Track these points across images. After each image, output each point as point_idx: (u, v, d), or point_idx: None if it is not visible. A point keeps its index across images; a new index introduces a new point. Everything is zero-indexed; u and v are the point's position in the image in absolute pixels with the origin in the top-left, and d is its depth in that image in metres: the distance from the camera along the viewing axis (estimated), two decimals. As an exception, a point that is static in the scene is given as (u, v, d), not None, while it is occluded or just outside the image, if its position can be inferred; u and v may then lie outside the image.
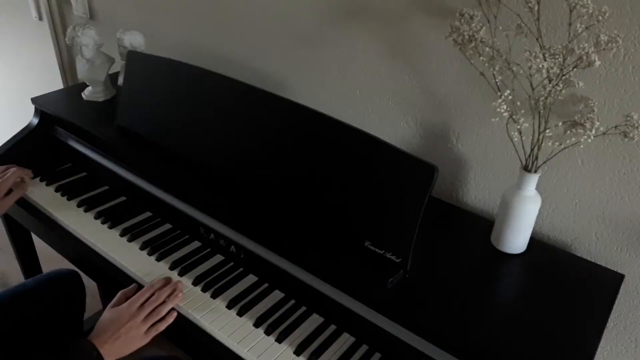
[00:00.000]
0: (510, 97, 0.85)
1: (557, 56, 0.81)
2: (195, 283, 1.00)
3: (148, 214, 1.19)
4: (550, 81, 0.81)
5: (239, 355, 0.88)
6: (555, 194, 1.02)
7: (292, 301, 0.98)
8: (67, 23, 1.91)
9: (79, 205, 1.21)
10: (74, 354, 0.83)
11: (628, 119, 0.81)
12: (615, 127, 0.83)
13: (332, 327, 0.93)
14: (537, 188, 0.93)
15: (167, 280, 0.97)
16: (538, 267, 0.95)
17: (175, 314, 0.93)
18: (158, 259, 1.06)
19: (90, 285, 1.38)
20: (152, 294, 0.92)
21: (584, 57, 0.78)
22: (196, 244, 1.11)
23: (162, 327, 0.91)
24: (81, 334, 1.26)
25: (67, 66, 2.02)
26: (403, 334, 0.83)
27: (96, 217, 1.17)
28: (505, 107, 0.85)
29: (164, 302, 0.92)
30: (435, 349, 0.79)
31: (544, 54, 0.80)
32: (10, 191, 1.18)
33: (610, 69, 0.87)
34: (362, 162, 0.90)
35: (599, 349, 0.85)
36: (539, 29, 0.86)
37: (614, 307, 0.88)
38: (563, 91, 0.83)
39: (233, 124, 1.07)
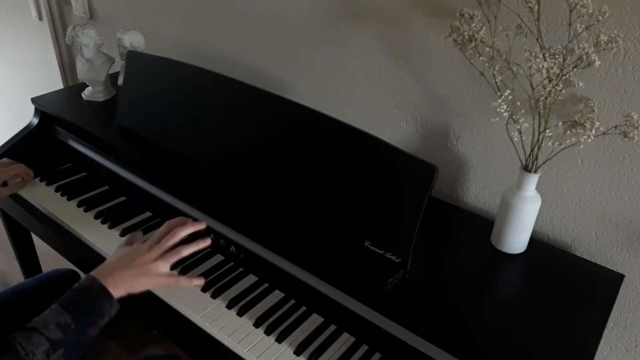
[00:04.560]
0: (510, 97, 0.85)
1: (557, 56, 0.81)
2: (195, 283, 1.00)
3: (148, 214, 1.19)
4: (550, 81, 0.81)
5: (239, 355, 0.88)
6: (555, 194, 1.02)
7: (292, 301, 0.98)
8: (67, 23, 1.91)
9: (79, 205, 1.21)
10: (73, 290, 0.80)
11: (628, 119, 0.81)
12: (615, 127, 0.83)
13: (332, 327, 0.93)
14: (537, 188, 0.93)
15: (186, 220, 0.94)
16: (538, 267, 0.95)
17: (209, 241, 0.91)
18: (158, 259, 1.05)
19: (90, 285, 1.38)
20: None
21: (584, 57, 0.78)
22: (196, 244, 1.11)
23: (185, 252, 0.89)
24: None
25: (67, 66, 2.02)
26: (403, 334, 0.83)
27: (96, 217, 1.17)
28: (505, 107, 0.85)
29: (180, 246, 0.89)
30: (435, 349, 0.79)
31: (544, 54, 0.80)
32: (5, 184, 1.20)
33: (610, 69, 0.87)
34: (362, 162, 0.90)
35: (599, 349, 0.85)
36: (539, 29, 0.86)
37: (614, 307, 0.88)
38: (563, 91, 0.82)
39: (233, 124, 1.07)
